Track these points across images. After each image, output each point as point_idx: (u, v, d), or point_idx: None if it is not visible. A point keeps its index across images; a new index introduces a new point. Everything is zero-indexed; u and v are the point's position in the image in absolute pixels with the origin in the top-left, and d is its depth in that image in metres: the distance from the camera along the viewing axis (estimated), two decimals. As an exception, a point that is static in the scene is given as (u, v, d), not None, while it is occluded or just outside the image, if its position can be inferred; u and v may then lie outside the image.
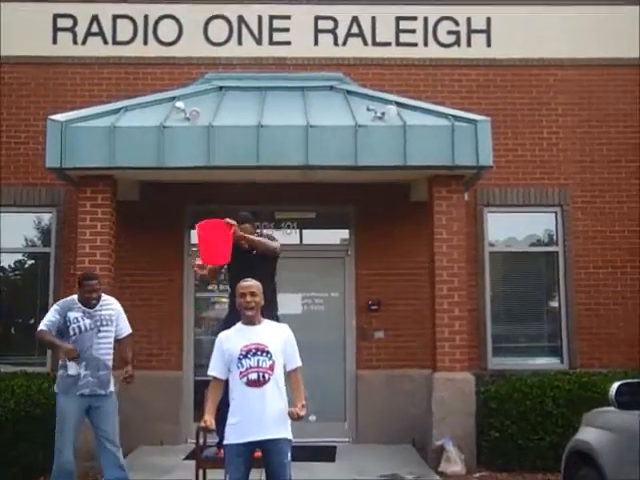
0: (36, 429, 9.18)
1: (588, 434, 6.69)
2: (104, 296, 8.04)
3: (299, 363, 6.14)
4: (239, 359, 5.87)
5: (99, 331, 7.79)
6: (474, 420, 9.77)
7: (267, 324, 6.15)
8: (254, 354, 5.87)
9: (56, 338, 7.63)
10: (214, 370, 6.07)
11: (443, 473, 9.38)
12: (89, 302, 7.79)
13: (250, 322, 6.04)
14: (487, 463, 9.76)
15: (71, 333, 7.68)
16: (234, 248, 7.54)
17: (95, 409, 7.71)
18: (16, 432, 9.23)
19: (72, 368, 7.66)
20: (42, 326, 7.73)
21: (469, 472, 9.50)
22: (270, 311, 7.04)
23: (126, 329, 8.11)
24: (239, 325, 6.11)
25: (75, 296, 7.92)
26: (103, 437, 7.71)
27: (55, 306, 7.90)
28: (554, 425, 9.60)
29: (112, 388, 7.90)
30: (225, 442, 5.95)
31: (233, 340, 5.99)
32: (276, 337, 6.01)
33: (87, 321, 7.73)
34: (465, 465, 9.49)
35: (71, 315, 7.71)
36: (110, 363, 7.87)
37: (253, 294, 6.05)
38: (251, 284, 6.13)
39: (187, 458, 9.64)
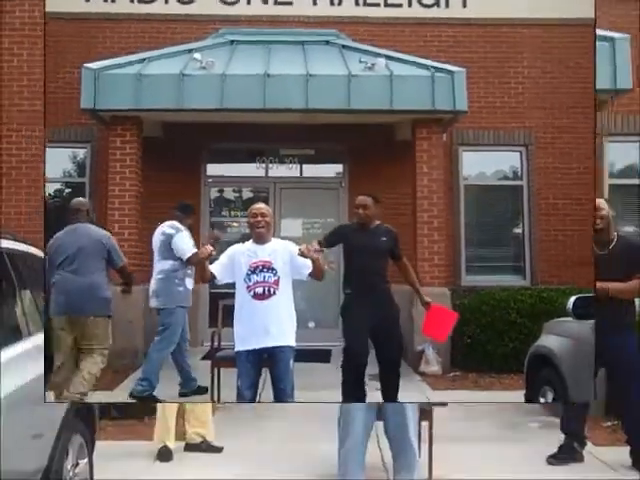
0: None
1: (548, 341, 6.73)
2: None
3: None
4: (247, 274, 5.63)
5: None
6: (450, 328, 9.72)
7: (274, 242, 5.85)
8: (261, 270, 5.62)
9: None
10: (215, 270, 5.74)
11: (423, 373, 9.39)
12: None
13: (260, 239, 5.76)
14: (460, 365, 9.68)
15: None
16: None
17: None
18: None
19: None
20: None
21: (444, 372, 9.48)
22: None
23: None
24: (249, 244, 5.82)
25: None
26: None
27: None
28: (517, 333, 9.45)
29: None
30: (235, 349, 5.71)
31: (244, 255, 5.73)
32: (283, 254, 5.71)
33: None
34: (441, 366, 9.48)
35: None
36: None
37: (263, 215, 5.76)
38: (261, 206, 5.88)
39: (204, 358, 9.57)
